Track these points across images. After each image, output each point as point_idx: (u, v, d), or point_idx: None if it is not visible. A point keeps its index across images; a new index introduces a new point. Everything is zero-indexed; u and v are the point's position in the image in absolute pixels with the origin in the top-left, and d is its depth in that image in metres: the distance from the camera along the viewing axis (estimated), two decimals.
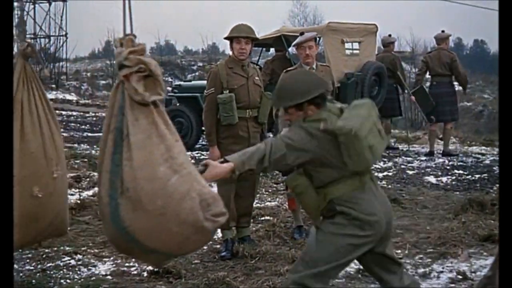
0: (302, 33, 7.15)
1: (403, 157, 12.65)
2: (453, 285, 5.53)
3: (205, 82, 6.70)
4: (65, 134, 15.23)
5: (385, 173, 10.88)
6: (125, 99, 3.75)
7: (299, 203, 4.14)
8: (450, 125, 12.91)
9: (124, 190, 3.65)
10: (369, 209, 3.97)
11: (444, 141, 12.97)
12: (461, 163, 11.90)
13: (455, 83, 12.95)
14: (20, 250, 5.95)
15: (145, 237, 3.74)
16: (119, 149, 3.69)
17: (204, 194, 3.81)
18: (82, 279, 5.74)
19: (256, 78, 6.56)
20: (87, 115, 21.15)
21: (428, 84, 13.60)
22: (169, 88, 14.52)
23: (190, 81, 17.85)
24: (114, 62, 3.77)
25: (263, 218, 7.82)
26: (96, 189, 8.97)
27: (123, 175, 3.66)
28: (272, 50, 13.80)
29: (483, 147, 14.36)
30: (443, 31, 12.82)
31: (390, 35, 14.25)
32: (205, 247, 6.73)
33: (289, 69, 7.06)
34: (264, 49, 14.43)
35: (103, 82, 38.28)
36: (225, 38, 6.49)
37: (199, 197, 3.77)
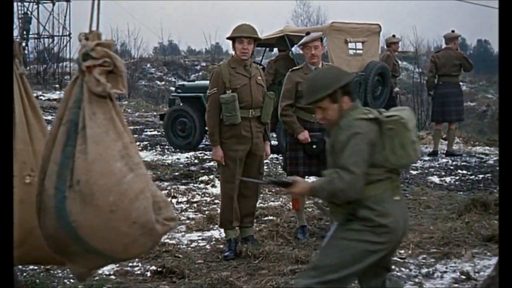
0: (308, 33, 7.14)
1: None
2: (456, 285, 5.53)
3: (208, 82, 6.70)
4: None
5: None
6: (83, 93, 3.65)
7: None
8: (455, 125, 12.90)
9: (73, 183, 3.56)
10: (392, 215, 3.85)
11: (448, 141, 12.97)
12: (464, 163, 11.89)
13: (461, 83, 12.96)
14: None
15: (90, 235, 3.61)
16: (71, 142, 3.61)
17: (157, 197, 3.75)
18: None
19: (259, 78, 6.57)
20: None
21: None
22: (173, 88, 14.53)
23: (193, 81, 17.84)
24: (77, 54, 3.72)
25: (266, 218, 7.82)
26: None
27: (74, 167, 3.57)
28: (275, 50, 13.80)
29: (487, 147, 14.33)
30: (453, 31, 12.79)
31: (394, 36, 14.25)
32: (208, 247, 6.75)
33: (293, 68, 7.08)
34: (267, 49, 14.42)
35: None
36: (228, 38, 6.50)
37: (153, 198, 3.70)
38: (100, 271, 5.92)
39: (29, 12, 31.59)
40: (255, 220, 6.97)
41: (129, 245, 3.72)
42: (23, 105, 4.37)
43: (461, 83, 12.92)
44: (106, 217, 3.56)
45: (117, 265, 6.08)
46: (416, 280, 5.66)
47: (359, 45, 12.91)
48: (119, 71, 3.74)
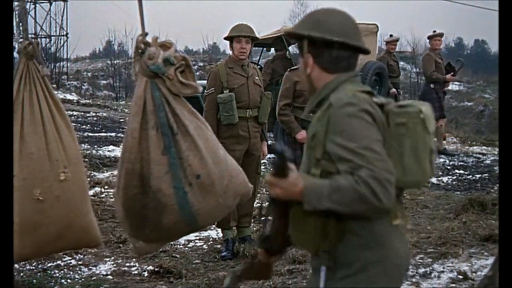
0: None
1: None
2: (453, 285, 5.53)
3: (205, 82, 6.70)
4: None
5: None
6: (166, 95, 3.81)
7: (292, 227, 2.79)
8: (441, 122, 12.80)
9: (191, 180, 3.78)
10: (387, 245, 2.66)
11: (436, 139, 12.94)
12: (462, 163, 11.90)
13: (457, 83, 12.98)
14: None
15: (205, 217, 3.91)
16: (172, 143, 3.78)
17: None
18: (82, 279, 5.74)
19: (256, 78, 6.57)
20: (87, 115, 21.09)
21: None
22: None
23: None
24: (150, 62, 3.75)
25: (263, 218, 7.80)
26: (97, 189, 9.01)
27: (188, 165, 3.78)
28: (272, 50, 13.81)
29: (484, 147, 14.35)
30: (434, 31, 12.79)
31: (391, 35, 14.26)
32: (205, 247, 6.74)
33: (291, 68, 7.08)
34: (264, 49, 14.43)
35: (104, 82, 38.32)
36: (225, 38, 6.49)
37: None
38: (97, 271, 5.93)
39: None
40: (252, 220, 6.96)
41: (225, 213, 4.15)
42: (48, 105, 4.54)
43: (457, 83, 12.95)
44: (222, 199, 3.89)
45: (114, 265, 6.08)
46: (413, 280, 5.65)
47: None
48: (191, 70, 3.94)
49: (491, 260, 5.66)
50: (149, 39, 3.84)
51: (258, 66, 13.74)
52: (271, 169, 2.59)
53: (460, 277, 5.68)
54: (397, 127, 2.59)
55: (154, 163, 3.78)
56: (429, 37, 12.65)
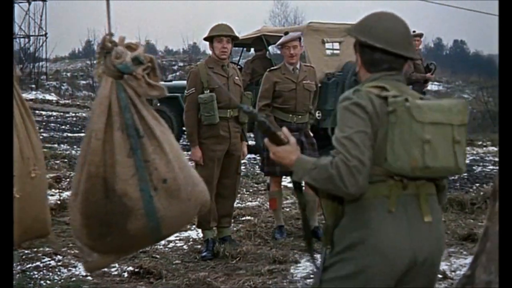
0: (286, 33, 7.15)
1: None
2: None
3: (185, 82, 6.69)
4: (45, 134, 15.16)
5: None
6: (132, 97, 3.75)
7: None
8: None
9: (156, 184, 3.70)
10: (376, 231, 2.80)
11: None
12: None
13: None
14: None
15: (168, 225, 3.82)
16: (138, 145, 3.71)
17: None
18: (62, 280, 5.71)
19: (236, 78, 6.57)
20: (67, 115, 21.05)
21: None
22: None
23: (170, 81, 17.82)
24: (118, 61, 3.70)
25: (244, 218, 7.82)
26: None
27: (154, 169, 3.70)
28: (252, 50, 13.82)
29: None
30: (413, 31, 12.77)
31: None
32: (185, 247, 6.73)
33: (271, 68, 7.09)
34: (244, 49, 14.43)
35: (83, 82, 38.11)
36: (206, 39, 6.47)
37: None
38: (76, 272, 5.90)
39: None
40: (232, 220, 6.96)
41: (187, 223, 4.19)
42: (17, 104, 4.60)
43: (436, 83, 13.04)
44: (185, 206, 3.80)
45: None
46: None
47: (336, 45, 12.94)
48: (156, 74, 3.86)
49: (470, 259, 5.67)
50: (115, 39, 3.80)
51: (238, 66, 13.75)
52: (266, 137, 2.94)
53: (439, 276, 5.70)
54: (388, 116, 2.77)
55: (120, 166, 3.69)
56: None
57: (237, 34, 6.57)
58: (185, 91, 6.53)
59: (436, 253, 2.90)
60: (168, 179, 3.72)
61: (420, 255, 2.81)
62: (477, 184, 10.18)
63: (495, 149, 13.72)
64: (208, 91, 6.33)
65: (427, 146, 2.73)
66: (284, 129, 2.97)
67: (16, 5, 32.39)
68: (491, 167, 12.02)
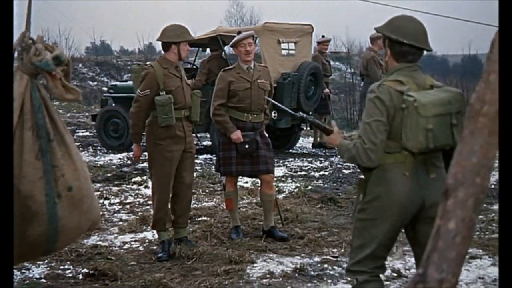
0: (239, 32, 7.15)
1: (339, 156, 12.75)
2: (388, 282, 5.60)
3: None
4: None
5: (321, 173, 10.97)
6: (45, 98, 3.65)
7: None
8: None
9: (61, 191, 3.60)
10: (387, 184, 3.84)
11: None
12: None
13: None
14: None
15: (65, 236, 3.71)
16: (47, 148, 3.61)
17: None
18: (16, 283, 5.63)
19: (185, 78, 6.62)
20: None
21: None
22: (105, 88, 14.37)
23: (126, 81, 17.67)
24: (36, 58, 3.62)
25: (200, 219, 7.80)
26: None
27: (61, 175, 3.61)
28: (208, 50, 13.78)
29: None
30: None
31: (323, 36, 14.41)
32: (141, 249, 6.70)
33: (226, 68, 7.09)
34: (200, 49, 14.39)
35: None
36: (171, 42, 6.41)
37: None
38: (30, 275, 5.83)
39: None
40: (189, 221, 6.94)
41: (76, 237, 4.03)
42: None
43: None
44: (83, 219, 3.73)
45: (48, 268, 5.99)
46: (349, 278, 5.71)
47: (292, 46, 12.96)
48: (68, 79, 3.76)
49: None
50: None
51: (194, 66, 13.72)
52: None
53: (394, 274, 5.77)
54: (402, 110, 3.74)
55: (28, 166, 3.60)
56: (371, 38, 12.77)
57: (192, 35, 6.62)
58: (138, 91, 6.44)
59: (440, 199, 3.40)
60: (73, 187, 3.63)
61: (427, 200, 3.84)
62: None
63: None
64: (164, 92, 6.31)
65: (430, 133, 3.70)
66: (333, 122, 4.34)
67: None
68: None
